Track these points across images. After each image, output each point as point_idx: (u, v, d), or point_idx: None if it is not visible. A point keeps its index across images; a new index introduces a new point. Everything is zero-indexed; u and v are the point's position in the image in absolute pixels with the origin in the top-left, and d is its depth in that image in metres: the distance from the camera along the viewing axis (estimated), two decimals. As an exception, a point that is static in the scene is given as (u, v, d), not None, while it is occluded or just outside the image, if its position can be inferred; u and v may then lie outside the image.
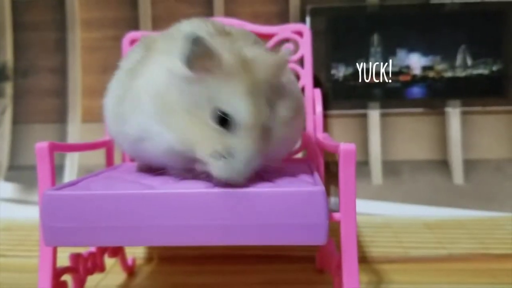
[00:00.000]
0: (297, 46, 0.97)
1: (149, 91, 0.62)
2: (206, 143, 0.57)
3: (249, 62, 0.59)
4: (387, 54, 1.09)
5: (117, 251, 0.90)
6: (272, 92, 0.60)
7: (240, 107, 0.56)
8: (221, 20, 0.98)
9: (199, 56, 0.57)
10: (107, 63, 1.12)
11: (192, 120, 0.58)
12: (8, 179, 1.15)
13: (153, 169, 0.69)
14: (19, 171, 1.15)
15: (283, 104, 0.62)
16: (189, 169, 0.62)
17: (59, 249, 0.65)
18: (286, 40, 0.98)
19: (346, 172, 0.58)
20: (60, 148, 0.71)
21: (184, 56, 0.57)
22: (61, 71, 1.14)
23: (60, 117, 1.15)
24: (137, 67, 0.68)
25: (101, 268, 0.83)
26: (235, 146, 0.56)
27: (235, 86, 0.57)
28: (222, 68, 0.57)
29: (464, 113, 1.08)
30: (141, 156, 0.69)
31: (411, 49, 1.09)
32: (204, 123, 0.57)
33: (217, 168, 0.55)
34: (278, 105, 0.61)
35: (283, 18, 1.09)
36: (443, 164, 1.08)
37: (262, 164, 0.60)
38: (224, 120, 0.56)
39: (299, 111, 0.67)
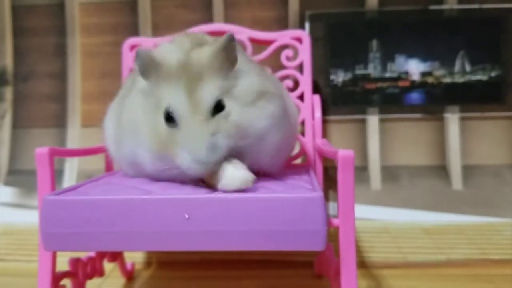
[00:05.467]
0: (296, 52, 0.97)
1: (127, 117, 0.67)
2: (168, 144, 0.60)
3: (190, 61, 0.62)
4: (385, 59, 1.09)
5: (116, 256, 0.90)
6: (224, 80, 0.62)
7: (176, 101, 0.60)
8: (220, 26, 0.99)
9: (146, 66, 0.62)
10: (106, 69, 1.13)
11: (155, 130, 0.62)
12: (7, 183, 1.15)
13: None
14: (19, 176, 1.15)
15: (240, 88, 0.64)
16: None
17: (59, 254, 0.65)
18: (286, 46, 0.98)
19: (344, 178, 0.58)
20: (60, 153, 0.71)
21: (138, 69, 0.63)
22: (61, 76, 1.15)
23: (60, 121, 1.15)
24: (126, 95, 0.72)
25: (100, 272, 0.83)
26: (182, 138, 0.59)
27: (173, 85, 0.61)
28: (165, 72, 0.62)
29: (462, 119, 1.08)
30: (142, 176, 0.70)
31: (410, 55, 1.09)
32: (162, 129, 0.61)
33: (178, 161, 0.59)
34: (235, 91, 0.63)
35: (282, 24, 1.10)
36: (442, 170, 1.08)
37: (256, 168, 0.62)
38: (171, 118, 0.60)
39: (266, 94, 0.67)
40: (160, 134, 0.61)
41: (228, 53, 0.63)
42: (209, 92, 0.60)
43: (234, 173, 0.58)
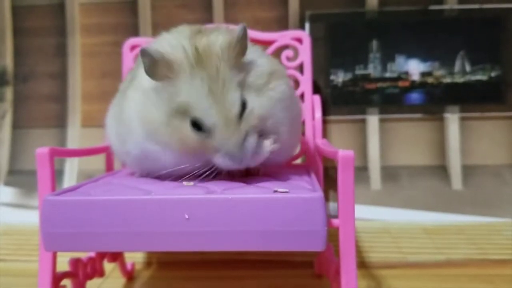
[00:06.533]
0: (296, 52, 0.97)
1: (134, 115, 0.65)
2: (199, 149, 0.61)
3: (202, 54, 0.61)
4: (386, 60, 1.09)
5: (116, 256, 0.90)
6: (240, 72, 0.63)
7: (205, 110, 0.59)
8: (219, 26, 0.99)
9: (153, 65, 0.61)
10: (106, 69, 1.13)
11: (179, 134, 0.62)
12: (7, 183, 1.15)
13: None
14: (19, 176, 1.15)
15: (252, 75, 0.65)
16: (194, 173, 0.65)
17: (59, 254, 0.65)
18: (286, 47, 0.98)
19: (344, 178, 0.58)
20: (60, 153, 0.71)
21: (144, 69, 0.62)
22: (61, 76, 1.15)
23: (60, 122, 1.15)
24: (127, 87, 0.71)
25: (100, 273, 0.83)
26: (218, 145, 0.60)
27: (196, 88, 0.60)
28: (177, 69, 0.61)
29: (462, 119, 1.08)
30: (146, 170, 0.70)
31: (410, 55, 1.09)
32: (189, 135, 0.61)
33: (218, 163, 0.61)
34: (248, 79, 0.64)
35: (282, 24, 1.10)
36: (442, 170, 1.08)
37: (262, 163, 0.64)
38: (200, 125, 0.60)
39: (275, 75, 0.68)
40: (188, 140, 0.61)
41: (242, 44, 0.64)
42: (235, 97, 0.61)
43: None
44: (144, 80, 0.65)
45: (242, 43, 0.63)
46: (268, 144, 0.64)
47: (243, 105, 0.61)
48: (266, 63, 0.68)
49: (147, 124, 0.64)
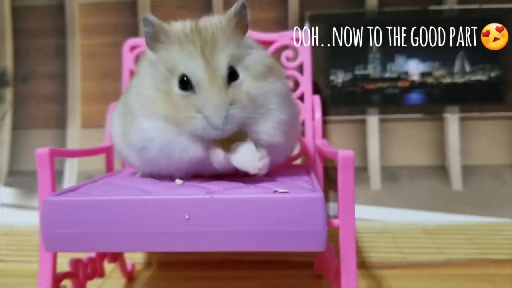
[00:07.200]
0: (296, 53, 0.97)
1: (135, 95, 0.67)
2: (181, 112, 0.61)
3: (201, 28, 0.63)
4: (385, 60, 1.09)
5: (116, 256, 0.90)
6: (237, 48, 0.64)
7: (193, 67, 0.60)
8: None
9: (154, 34, 0.63)
10: (106, 69, 1.13)
11: (166, 97, 0.62)
12: (7, 184, 1.15)
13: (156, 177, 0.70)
14: (19, 177, 1.15)
15: (252, 58, 0.65)
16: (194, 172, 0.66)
17: (59, 254, 0.65)
18: (286, 47, 0.98)
19: (344, 178, 0.58)
20: (60, 153, 0.71)
21: (145, 39, 0.64)
22: (61, 77, 1.15)
23: (60, 122, 1.15)
24: (131, 82, 0.74)
25: (100, 273, 0.83)
26: (200, 103, 0.59)
27: (188, 50, 0.61)
28: (176, 38, 0.62)
29: (462, 119, 1.08)
30: (148, 164, 0.70)
31: (410, 55, 1.09)
32: (175, 94, 0.62)
33: (193, 126, 0.60)
34: (246, 60, 0.64)
35: (282, 24, 1.10)
36: (442, 170, 1.08)
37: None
38: (187, 83, 0.61)
39: (274, 71, 0.68)
40: (173, 99, 0.62)
41: (240, 20, 0.64)
42: (224, 59, 0.61)
43: (250, 155, 0.61)
44: (146, 59, 0.67)
45: (240, 19, 0.64)
46: (259, 156, 0.62)
47: (234, 74, 0.62)
48: (267, 56, 0.69)
49: (141, 91, 0.65)
